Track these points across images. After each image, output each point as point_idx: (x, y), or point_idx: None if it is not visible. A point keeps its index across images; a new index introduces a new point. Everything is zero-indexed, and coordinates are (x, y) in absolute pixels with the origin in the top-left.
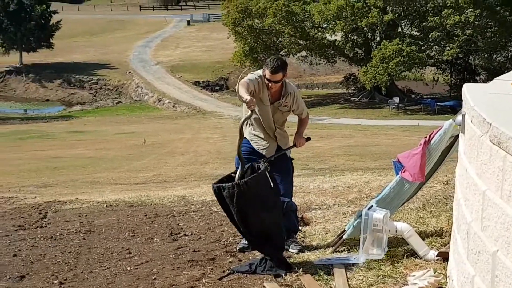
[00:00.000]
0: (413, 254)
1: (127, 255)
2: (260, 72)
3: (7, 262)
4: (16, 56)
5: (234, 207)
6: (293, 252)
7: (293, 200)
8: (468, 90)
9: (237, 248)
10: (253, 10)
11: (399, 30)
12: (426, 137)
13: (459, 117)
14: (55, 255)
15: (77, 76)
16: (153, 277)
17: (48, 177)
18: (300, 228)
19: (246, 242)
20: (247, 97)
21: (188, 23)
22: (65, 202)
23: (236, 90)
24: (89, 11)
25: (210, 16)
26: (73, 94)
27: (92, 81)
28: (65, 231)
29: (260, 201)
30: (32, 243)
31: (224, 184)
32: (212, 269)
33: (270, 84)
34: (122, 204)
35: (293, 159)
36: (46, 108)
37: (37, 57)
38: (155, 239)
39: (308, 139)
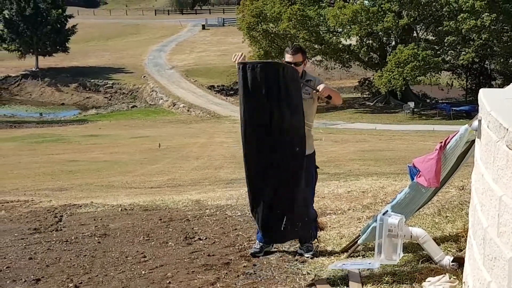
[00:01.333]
0: (428, 259)
1: (141, 259)
2: None
3: (23, 265)
4: (32, 60)
5: (262, 90)
6: (307, 257)
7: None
8: (485, 95)
9: (249, 253)
10: (268, 14)
11: (415, 34)
12: (441, 142)
13: (475, 122)
14: (70, 259)
15: (92, 80)
16: (168, 281)
17: (63, 181)
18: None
19: (258, 246)
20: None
21: (203, 27)
22: (80, 206)
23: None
24: (104, 15)
25: (224, 20)
26: (88, 98)
27: (107, 85)
28: (80, 234)
29: (293, 105)
30: (47, 246)
31: (256, 61)
32: (226, 273)
33: None
34: (137, 208)
35: (318, 167)
36: (62, 112)
37: (53, 61)
38: (170, 243)
39: (330, 97)
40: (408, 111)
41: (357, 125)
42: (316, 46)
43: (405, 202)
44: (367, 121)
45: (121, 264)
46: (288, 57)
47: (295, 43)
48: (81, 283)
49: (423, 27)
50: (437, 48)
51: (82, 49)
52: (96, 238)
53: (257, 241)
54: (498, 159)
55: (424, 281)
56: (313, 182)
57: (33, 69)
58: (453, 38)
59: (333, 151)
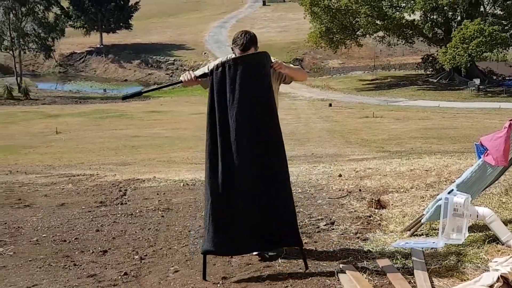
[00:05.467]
0: (494, 240)
1: (204, 233)
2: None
3: (91, 237)
4: (96, 37)
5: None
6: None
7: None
8: None
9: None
10: None
11: (481, 9)
12: (510, 120)
13: None
14: (135, 231)
15: (154, 57)
16: (230, 256)
17: (127, 156)
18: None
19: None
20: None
21: (264, 3)
22: (144, 180)
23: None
24: None
25: None
26: (151, 75)
27: (169, 62)
28: (144, 208)
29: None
30: (113, 219)
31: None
32: (287, 249)
33: None
34: (199, 184)
35: None
36: (125, 88)
37: (116, 38)
38: None
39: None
40: (473, 88)
41: (419, 102)
42: (378, 21)
43: (471, 181)
44: (430, 98)
45: (184, 238)
46: (238, 53)
47: (244, 31)
48: (146, 255)
49: (490, 1)
50: (505, 23)
51: (144, 26)
52: (160, 212)
53: None
54: None
55: (491, 261)
56: None
57: (98, 45)
58: None
59: (394, 128)
